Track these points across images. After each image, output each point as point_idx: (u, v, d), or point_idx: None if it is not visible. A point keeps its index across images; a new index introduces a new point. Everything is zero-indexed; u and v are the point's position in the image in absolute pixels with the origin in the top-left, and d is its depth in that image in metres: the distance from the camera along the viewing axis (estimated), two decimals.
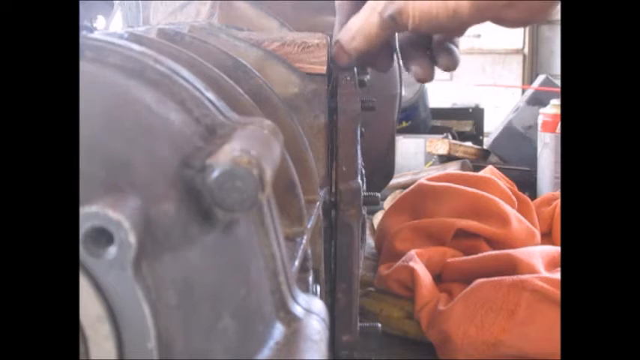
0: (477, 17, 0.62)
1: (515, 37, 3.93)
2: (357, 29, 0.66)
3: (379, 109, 0.75)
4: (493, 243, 1.35)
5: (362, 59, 0.70)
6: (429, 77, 0.72)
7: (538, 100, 2.13)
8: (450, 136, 2.23)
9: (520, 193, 1.56)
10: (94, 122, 0.30)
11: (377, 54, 0.71)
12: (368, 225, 1.58)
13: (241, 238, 0.33)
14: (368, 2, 0.66)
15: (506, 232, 1.35)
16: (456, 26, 0.65)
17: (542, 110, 1.91)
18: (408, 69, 0.73)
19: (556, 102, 1.88)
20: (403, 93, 1.61)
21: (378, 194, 0.78)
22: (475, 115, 2.66)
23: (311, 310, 0.37)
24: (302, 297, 0.38)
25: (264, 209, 0.35)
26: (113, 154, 0.29)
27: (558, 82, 2.21)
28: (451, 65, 0.71)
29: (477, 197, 1.39)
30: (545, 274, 1.14)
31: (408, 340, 1.18)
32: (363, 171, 0.85)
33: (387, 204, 1.70)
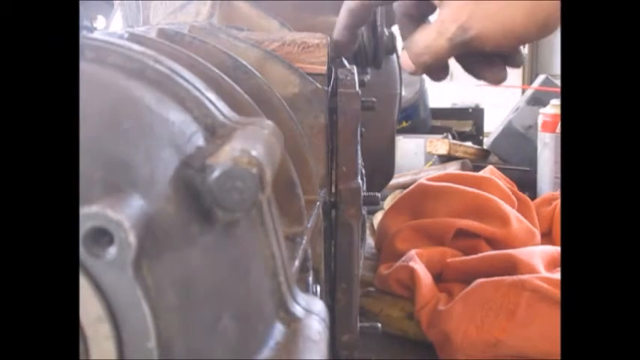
0: (540, 36, 0.67)
1: None
2: (424, 48, 0.70)
3: (379, 109, 0.75)
4: (493, 243, 1.34)
5: (425, 71, 0.74)
6: (505, 77, 0.75)
7: (538, 100, 2.13)
8: (450, 136, 2.23)
9: (520, 193, 1.56)
10: (94, 122, 0.30)
11: (438, 67, 0.73)
12: (368, 225, 1.57)
13: (241, 238, 0.33)
14: (433, 26, 0.69)
15: (506, 232, 1.35)
16: (517, 45, 0.70)
17: (542, 110, 1.91)
18: (482, 78, 0.74)
19: (556, 102, 1.88)
20: (403, 93, 1.61)
21: (378, 194, 0.77)
22: (475, 115, 2.66)
23: (311, 310, 0.37)
24: (302, 297, 0.38)
25: (265, 209, 0.35)
26: (113, 155, 0.29)
27: (558, 82, 2.21)
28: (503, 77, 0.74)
29: (477, 197, 1.39)
30: (545, 274, 1.14)
31: (408, 340, 1.18)
32: (363, 171, 0.85)
33: (387, 204, 1.70)
